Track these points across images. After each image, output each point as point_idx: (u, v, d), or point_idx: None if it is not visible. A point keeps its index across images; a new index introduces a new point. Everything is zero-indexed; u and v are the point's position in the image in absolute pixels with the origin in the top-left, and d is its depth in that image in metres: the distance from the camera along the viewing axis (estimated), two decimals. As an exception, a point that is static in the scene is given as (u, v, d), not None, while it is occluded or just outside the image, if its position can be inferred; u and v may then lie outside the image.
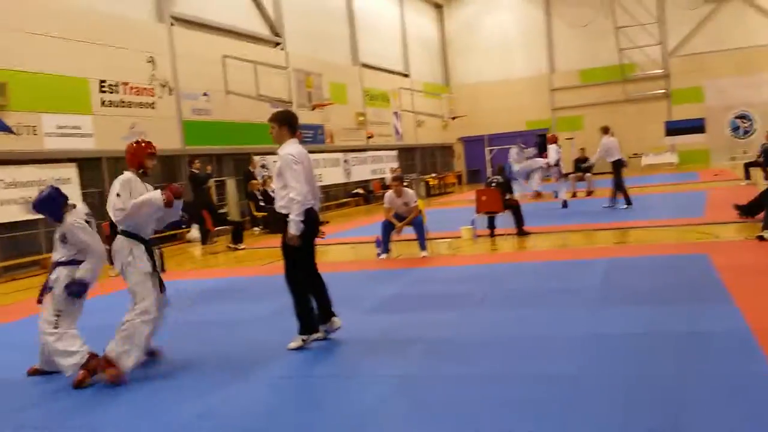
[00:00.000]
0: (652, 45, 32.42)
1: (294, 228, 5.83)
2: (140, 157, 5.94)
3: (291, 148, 6.02)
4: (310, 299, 6.15)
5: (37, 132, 14.33)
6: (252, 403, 4.86)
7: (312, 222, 6.01)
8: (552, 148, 19.71)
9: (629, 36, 32.39)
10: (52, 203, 5.85)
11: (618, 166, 15.67)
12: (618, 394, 4.37)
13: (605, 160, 16.10)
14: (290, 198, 5.83)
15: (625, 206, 15.39)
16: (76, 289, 5.72)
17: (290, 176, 5.86)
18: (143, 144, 6.04)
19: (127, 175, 5.89)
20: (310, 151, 19.52)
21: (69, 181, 14.91)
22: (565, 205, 17.08)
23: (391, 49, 32.05)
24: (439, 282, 9.04)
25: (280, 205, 6.00)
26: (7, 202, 13.58)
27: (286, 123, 6.13)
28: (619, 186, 15.60)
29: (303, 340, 6.06)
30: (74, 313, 5.87)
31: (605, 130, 16.41)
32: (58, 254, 5.87)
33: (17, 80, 13.87)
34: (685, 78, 32.64)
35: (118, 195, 5.68)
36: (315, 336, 6.16)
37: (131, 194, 5.71)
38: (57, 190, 5.94)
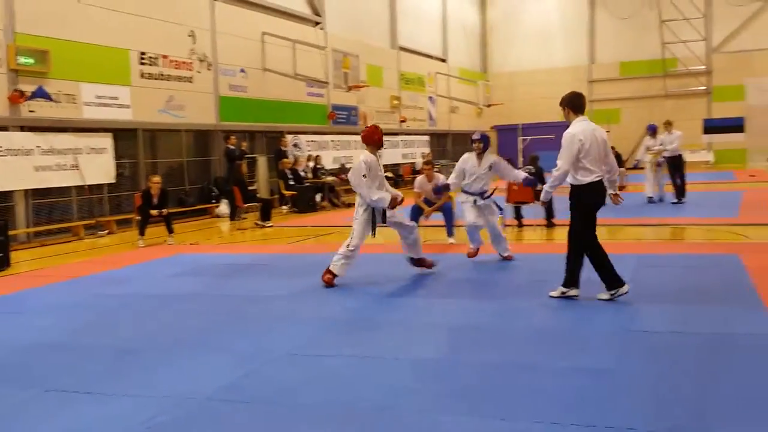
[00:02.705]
0: (696, 40, 31.83)
1: (542, 195, 6.85)
2: (379, 138, 8.15)
3: (572, 127, 6.59)
4: (582, 259, 6.68)
5: (76, 101, 14.52)
6: (274, 378, 4.90)
7: (597, 194, 6.58)
8: None
9: (673, 30, 31.82)
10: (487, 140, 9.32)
11: (679, 160, 16.11)
12: (647, 390, 4.35)
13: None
14: (552, 171, 6.58)
15: (675, 201, 15.87)
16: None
17: (561, 152, 6.52)
18: (380, 128, 8.24)
19: (370, 157, 7.99)
20: (342, 133, 19.41)
21: (104, 150, 15.13)
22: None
23: (430, 34, 31.86)
24: (465, 269, 9.02)
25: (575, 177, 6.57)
26: (42, 168, 13.79)
27: (568, 104, 6.72)
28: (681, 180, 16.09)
29: (562, 293, 6.76)
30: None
31: (669, 124, 16.60)
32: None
33: (59, 49, 14.04)
34: (728, 75, 32.05)
35: (364, 176, 7.86)
36: (573, 292, 6.74)
37: (372, 175, 7.91)
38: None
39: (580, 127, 6.53)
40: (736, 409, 4.00)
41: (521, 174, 9.53)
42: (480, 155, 9.24)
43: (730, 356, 5.00)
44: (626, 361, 4.95)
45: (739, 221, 12.26)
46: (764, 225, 11.60)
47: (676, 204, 15.60)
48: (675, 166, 16.02)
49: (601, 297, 6.63)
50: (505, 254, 9.30)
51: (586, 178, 6.50)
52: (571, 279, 6.76)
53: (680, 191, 15.91)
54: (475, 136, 9.42)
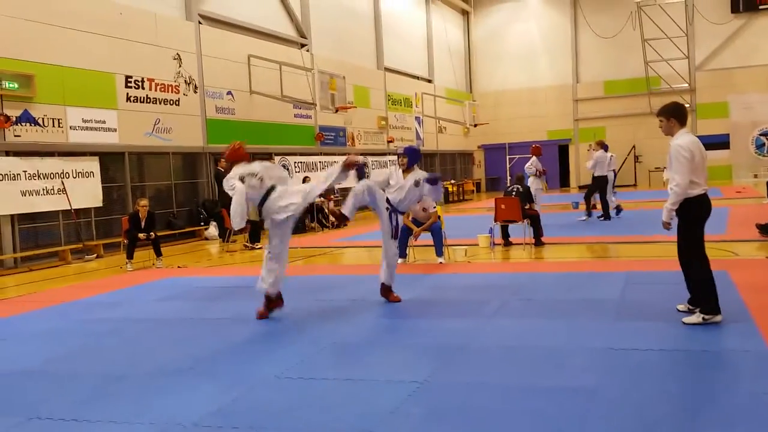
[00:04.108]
0: (679, 58, 32.14)
1: (665, 214, 6.26)
2: (243, 154, 7.74)
3: (681, 139, 6.32)
4: (712, 279, 6.24)
5: (62, 125, 14.48)
6: (262, 402, 4.86)
7: (706, 207, 6.32)
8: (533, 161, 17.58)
9: (656, 48, 32.15)
10: (414, 155, 8.42)
11: (600, 181, 16.51)
12: (634, 410, 4.31)
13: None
14: (670, 187, 6.23)
15: (602, 218, 16.37)
16: None
17: (676, 167, 6.19)
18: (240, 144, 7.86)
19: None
20: (330, 154, 19.48)
21: (91, 174, 15.07)
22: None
23: (416, 54, 32.06)
24: (455, 289, 9.00)
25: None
26: (29, 193, 13.73)
27: (674, 115, 6.47)
28: (601, 199, 16.61)
29: (704, 319, 6.21)
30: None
31: (601, 145, 16.99)
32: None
33: (44, 73, 14.03)
34: (711, 93, 32.36)
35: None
36: (717, 318, 6.22)
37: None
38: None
39: (688, 139, 6.30)
40: (728, 426, 3.97)
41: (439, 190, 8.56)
42: (405, 171, 8.33)
43: (720, 373, 4.99)
44: (609, 381, 4.91)
45: (727, 237, 12.30)
46: (752, 241, 11.66)
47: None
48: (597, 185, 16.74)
49: (689, 321, 6.25)
50: None
51: (694, 191, 6.22)
52: (707, 303, 6.25)
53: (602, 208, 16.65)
54: (400, 151, 8.62)
